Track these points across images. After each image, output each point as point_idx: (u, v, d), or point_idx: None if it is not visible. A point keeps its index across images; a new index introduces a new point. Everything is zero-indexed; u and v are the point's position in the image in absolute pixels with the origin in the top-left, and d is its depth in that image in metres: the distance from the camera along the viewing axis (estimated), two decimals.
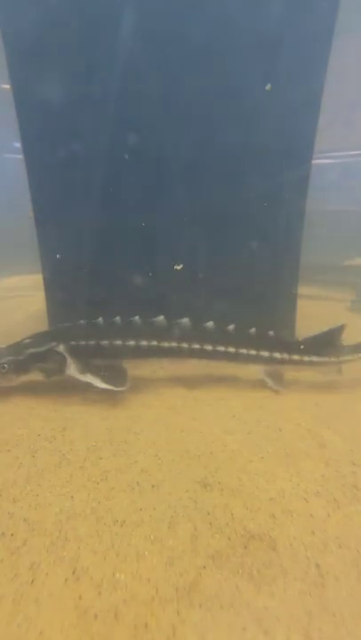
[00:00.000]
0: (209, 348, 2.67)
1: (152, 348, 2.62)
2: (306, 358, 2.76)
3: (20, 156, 3.07)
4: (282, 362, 2.75)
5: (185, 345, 2.65)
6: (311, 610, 1.22)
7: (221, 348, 2.67)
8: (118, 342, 2.59)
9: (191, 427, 2.21)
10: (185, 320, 2.69)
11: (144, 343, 2.61)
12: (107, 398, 2.52)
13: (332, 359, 2.77)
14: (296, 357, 2.75)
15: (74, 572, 1.33)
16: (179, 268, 3.08)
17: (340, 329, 2.81)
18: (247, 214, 3.11)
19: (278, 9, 2.66)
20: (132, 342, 2.60)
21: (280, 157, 3.03)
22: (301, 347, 2.78)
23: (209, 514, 1.58)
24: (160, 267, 3.12)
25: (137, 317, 2.67)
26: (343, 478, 1.79)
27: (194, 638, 1.14)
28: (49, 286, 3.46)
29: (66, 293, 3.33)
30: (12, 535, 1.48)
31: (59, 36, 2.60)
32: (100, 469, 1.85)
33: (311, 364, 2.77)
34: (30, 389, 2.65)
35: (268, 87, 2.73)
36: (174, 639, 1.14)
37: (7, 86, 2.78)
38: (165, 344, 2.63)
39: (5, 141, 8.57)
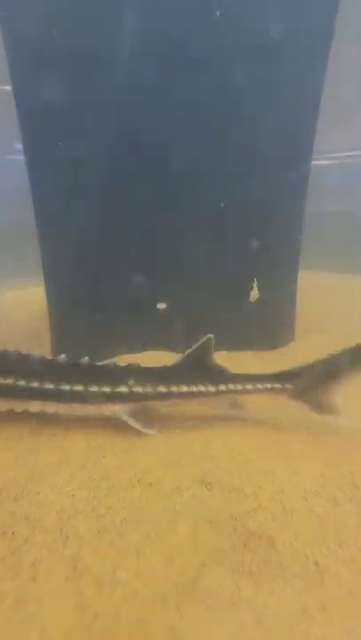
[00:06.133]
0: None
1: None
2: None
3: (21, 157, 3.09)
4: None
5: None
6: (310, 607, 1.23)
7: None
8: None
9: (191, 426, 2.22)
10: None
11: None
12: None
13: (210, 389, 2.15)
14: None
15: (75, 570, 1.34)
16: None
17: (209, 341, 2.11)
18: (247, 215, 3.12)
19: (278, 9, 2.67)
20: None
21: (280, 158, 3.04)
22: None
23: (209, 512, 1.59)
24: (160, 267, 3.12)
25: None
26: (342, 477, 1.80)
27: (194, 636, 1.15)
28: (50, 286, 3.48)
29: (67, 293, 3.35)
30: (13, 534, 1.49)
31: (60, 36, 2.61)
32: (100, 468, 1.86)
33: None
34: None
35: None
36: (174, 636, 1.15)
37: (8, 87, 2.80)
38: None
39: (6, 142, 8.59)
